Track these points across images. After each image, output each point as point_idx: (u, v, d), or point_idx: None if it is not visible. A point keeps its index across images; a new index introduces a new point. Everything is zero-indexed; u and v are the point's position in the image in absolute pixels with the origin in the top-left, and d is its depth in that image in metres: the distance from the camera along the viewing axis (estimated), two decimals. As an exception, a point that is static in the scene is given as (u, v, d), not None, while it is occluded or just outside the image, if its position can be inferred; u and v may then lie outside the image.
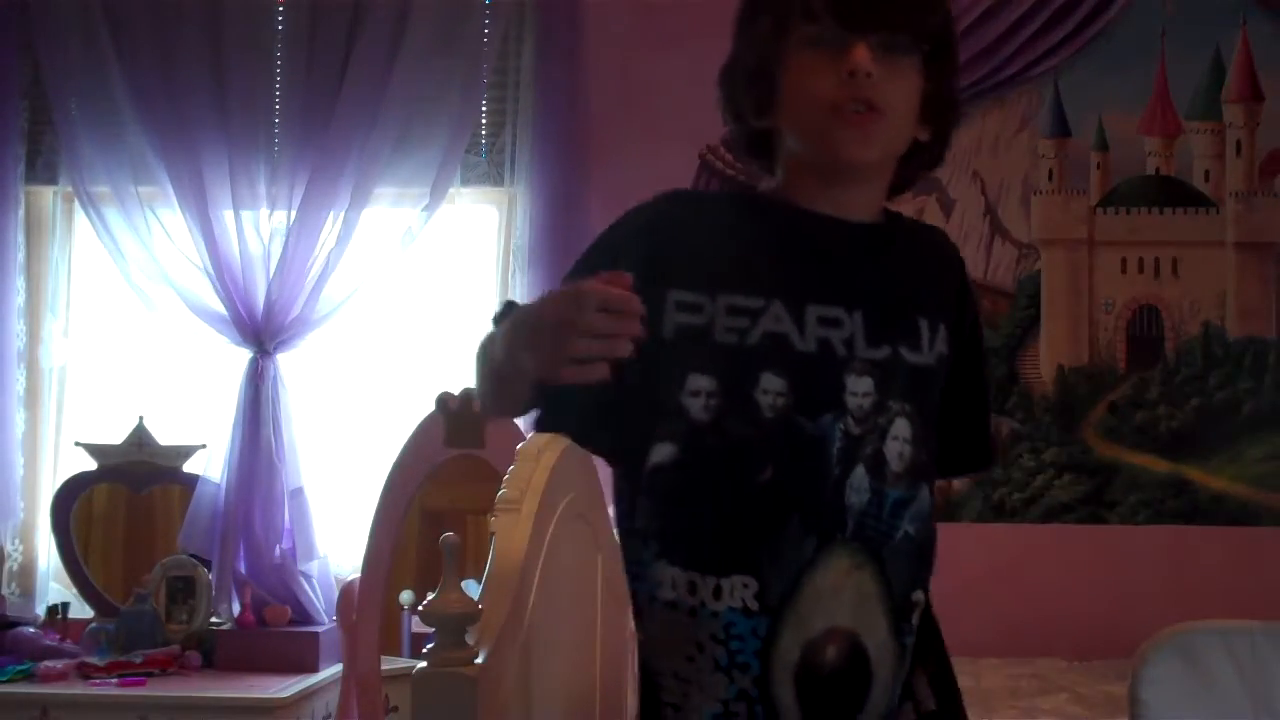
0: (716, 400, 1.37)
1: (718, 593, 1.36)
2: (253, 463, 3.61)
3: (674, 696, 1.40)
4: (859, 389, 1.39)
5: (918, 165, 1.50)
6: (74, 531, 3.72)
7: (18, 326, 3.83)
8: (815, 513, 1.37)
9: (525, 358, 1.30)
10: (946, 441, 1.50)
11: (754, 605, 1.36)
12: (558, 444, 2.65)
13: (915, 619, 1.43)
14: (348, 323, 3.72)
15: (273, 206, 3.72)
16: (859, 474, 1.37)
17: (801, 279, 1.41)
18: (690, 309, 1.39)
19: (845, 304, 1.40)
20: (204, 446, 3.71)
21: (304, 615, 3.61)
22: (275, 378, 3.65)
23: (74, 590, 3.74)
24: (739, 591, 1.36)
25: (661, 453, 1.39)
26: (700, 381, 1.37)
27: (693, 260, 1.41)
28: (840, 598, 1.37)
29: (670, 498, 1.39)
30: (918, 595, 1.42)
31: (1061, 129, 3.77)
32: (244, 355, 3.67)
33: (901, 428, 1.40)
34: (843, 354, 1.39)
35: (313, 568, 3.65)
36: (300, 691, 3.33)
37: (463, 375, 3.58)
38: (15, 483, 3.78)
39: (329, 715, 3.44)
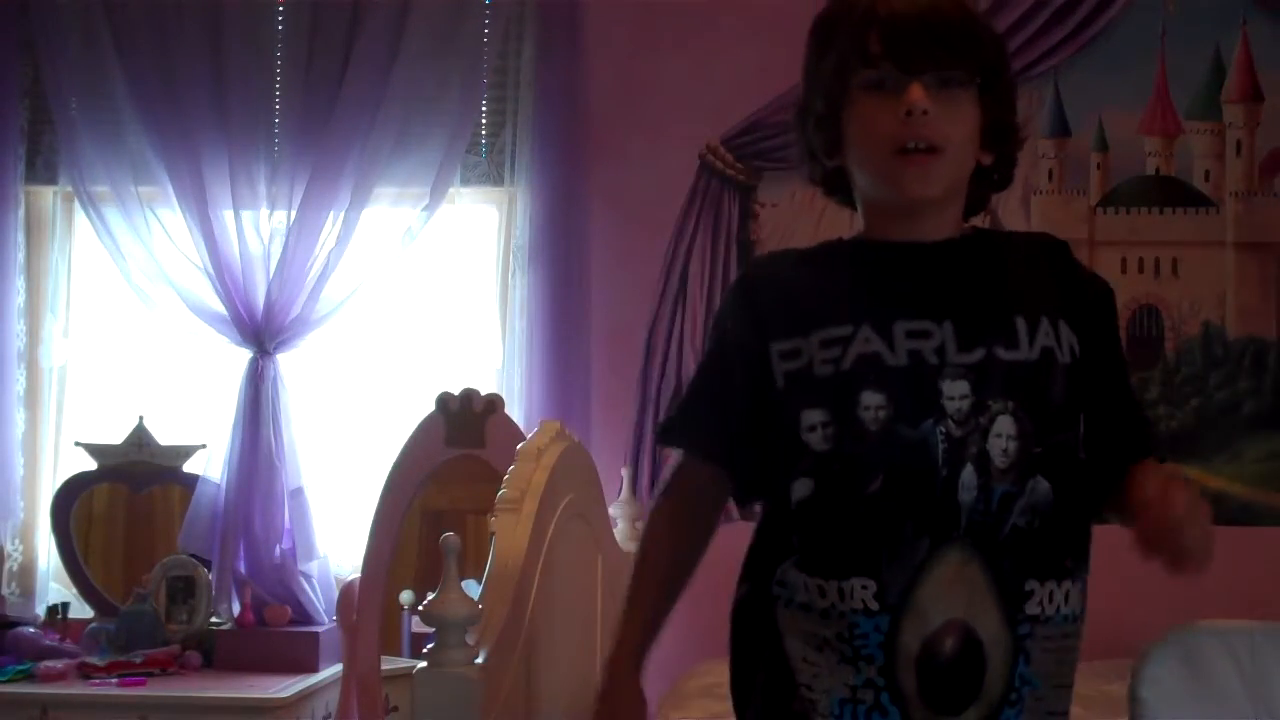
0: (832, 428, 1.47)
1: (842, 595, 1.46)
2: (253, 463, 3.61)
3: (807, 678, 1.49)
4: (955, 393, 1.46)
5: (987, 187, 1.60)
6: (74, 531, 3.72)
7: (18, 326, 3.83)
8: (927, 514, 1.45)
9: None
10: (1103, 435, 1.54)
11: (874, 605, 1.45)
12: (558, 444, 2.66)
13: (1032, 608, 1.47)
14: (348, 323, 3.72)
15: (273, 206, 3.72)
16: (968, 473, 1.45)
17: (885, 300, 1.50)
18: (790, 355, 1.51)
19: (933, 316, 1.49)
20: (204, 446, 3.71)
21: (304, 615, 3.61)
22: (275, 378, 3.65)
23: (74, 590, 3.74)
24: (859, 593, 1.45)
25: (801, 489, 1.49)
26: (813, 416, 1.48)
27: (786, 310, 1.53)
28: (955, 591, 1.44)
29: (809, 523, 1.50)
30: (1030, 585, 1.47)
31: (1061, 129, 3.77)
32: (244, 355, 3.67)
33: (1004, 425, 1.46)
34: (935, 362, 1.47)
35: (313, 568, 3.65)
36: (300, 691, 3.33)
37: (463, 375, 3.58)
38: (15, 483, 3.78)
39: (329, 715, 3.44)
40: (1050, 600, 1.49)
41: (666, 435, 1.68)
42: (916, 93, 1.47)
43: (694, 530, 1.64)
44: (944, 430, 1.45)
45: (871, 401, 1.46)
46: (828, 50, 1.55)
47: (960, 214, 1.58)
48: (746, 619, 1.57)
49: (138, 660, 3.40)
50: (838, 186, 1.60)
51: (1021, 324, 1.50)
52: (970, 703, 1.45)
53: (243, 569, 3.61)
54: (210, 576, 3.60)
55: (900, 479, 1.45)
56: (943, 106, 1.48)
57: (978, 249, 1.57)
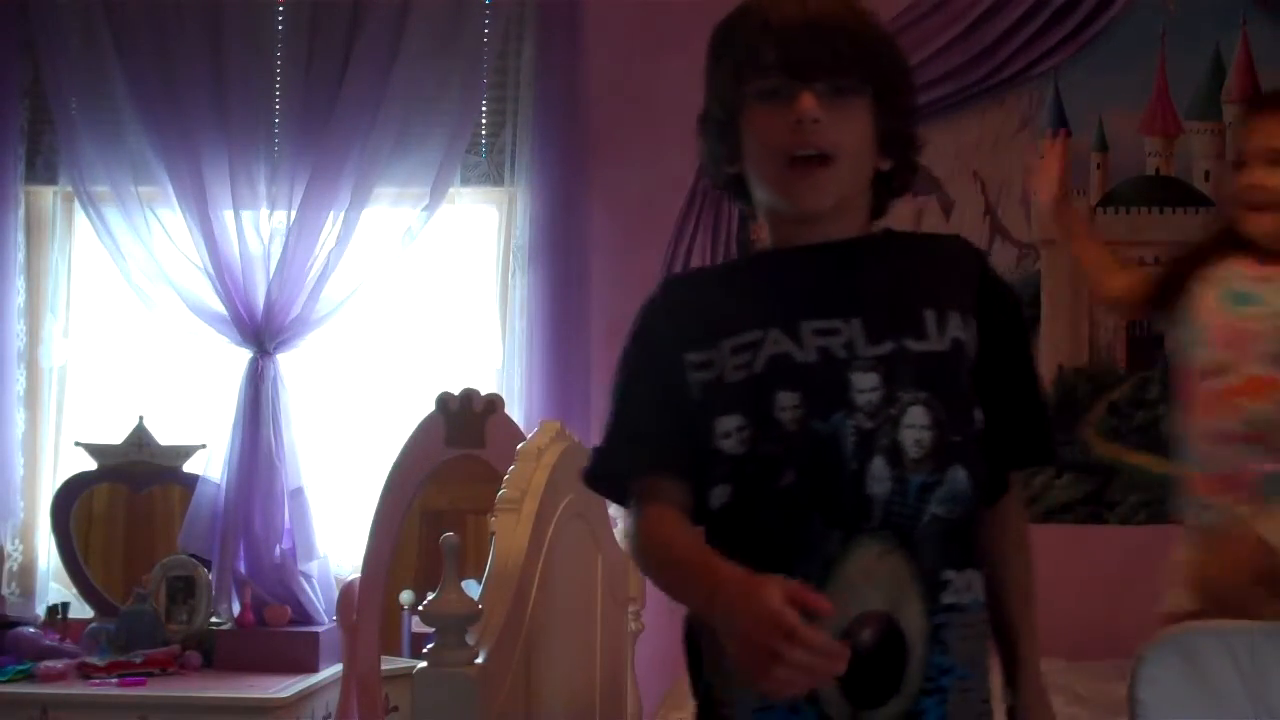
0: (747, 432, 1.47)
1: None
2: (253, 463, 3.61)
3: (721, 692, 1.49)
4: (865, 385, 1.46)
5: (888, 193, 1.60)
6: (74, 531, 3.72)
7: (18, 326, 3.83)
8: (836, 508, 1.44)
9: (724, 640, 1.38)
10: (999, 432, 1.55)
11: None
12: (558, 444, 2.66)
13: (949, 596, 1.47)
14: (348, 323, 3.72)
15: (273, 206, 3.72)
16: (878, 465, 1.44)
17: (792, 302, 1.51)
18: (703, 366, 1.51)
19: (840, 314, 1.49)
20: (204, 446, 3.72)
21: (304, 615, 3.61)
22: (275, 378, 3.65)
23: (74, 590, 3.74)
24: None
25: (718, 497, 1.49)
26: (728, 423, 1.48)
27: (696, 324, 1.53)
28: (873, 583, 1.44)
29: (728, 528, 1.50)
30: (948, 574, 1.47)
31: (1061, 129, 3.77)
32: (244, 355, 3.67)
33: (916, 415, 1.46)
34: (844, 356, 1.47)
35: (313, 568, 3.65)
36: (300, 691, 3.33)
37: (463, 375, 3.58)
38: (15, 483, 3.79)
39: (329, 715, 3.44)
40: (968, 588, 1.49)
41: (607, 474, 1.59)
42: (807, 101, 1.48)
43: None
44: (854, 423, 1.44)
45: (786, 401, 1.45)
46: (724, 58, 1.56)
47: (866, 216, 1.59)
48: (689, 640, 1.56)
49: (138, 660, 3.40)
50: (740, 192, 1.60)
51: (931, 315, 1.50)
52: (891, 695, 1.44)
53: (243, 569, 3.61)
54: (210, 576, 3.61)
55: (810, 474, 1.44)
56: (835, 114, 1.49)
57: (885, 247, 1.58)
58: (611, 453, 1.59)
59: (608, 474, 1.60)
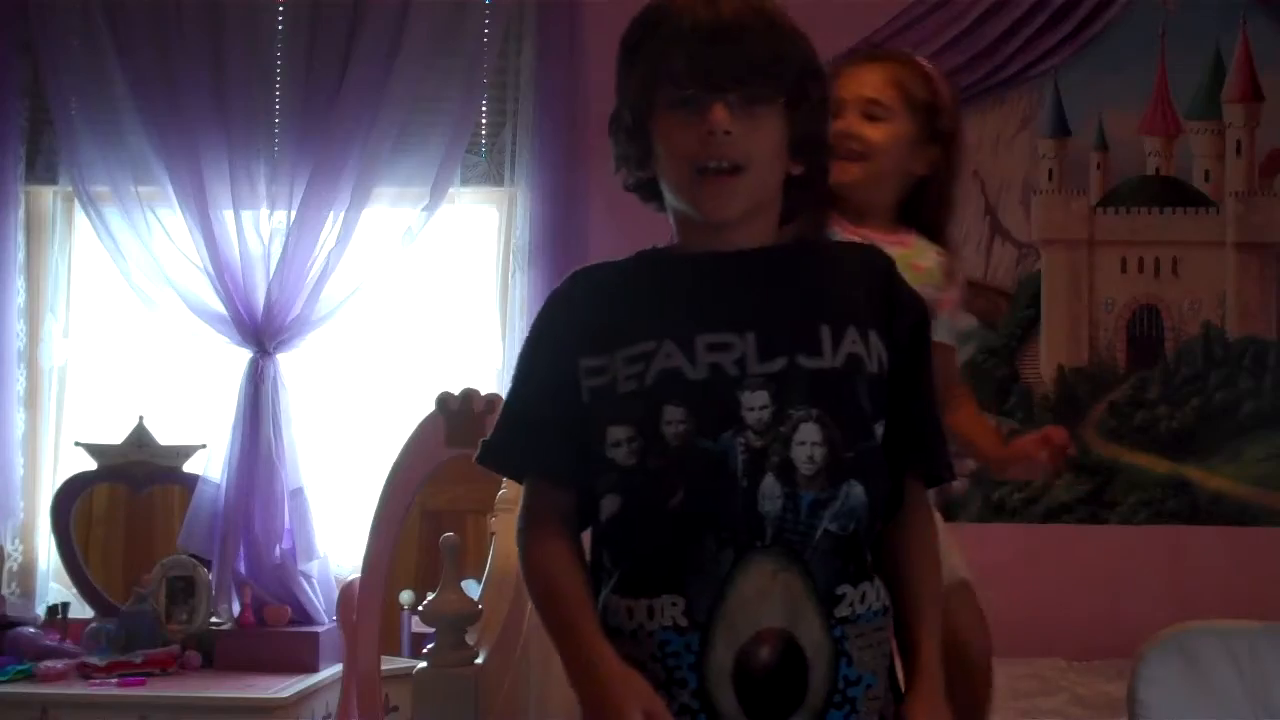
0: (637, 444, 1.46)
1: (650, 613, 1.45)
2: (253, 463, 3.61)
3: None
4: (755, 403, 1.45)
5: (799, 199, 1.58)
6: (74, 531, 3.72)
7: (18, 326, 3.83)
8: (728, 526, 1.43)
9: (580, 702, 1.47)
10: (894, 446, 1.53)
11: (684, 621, 1.43)
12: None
13: (843, 610, 1.46)
14: (348, 323, 3.72)
15: (273, 206, 3.71)
16: (769, 483, 1.43)
17: (689, 314, 1.50)
18: (597, 372, 1.50)
19: (735, 328, 1.48)
20: (204, 446, 3.71)
21: (304, 615, 3.61)
22: (275, 378, 3.65)
23: (74, 590, 3.74)
24: (669, 610, 1.44)
25: (609, 506, 1.49)
26: (618, 432, 1.47)
27: (594, 327, 1.52)
28: (769, 601, 1.43)
29: (617, 540, 1.50)
30: (842, 589, 1.46)
31: (1061, 129, 3.77)
32: (244, 355, 3.67)
33: (809, 432, 1.45)
34: (735, 374, 1.46)
35: (313, 568, 3.65)
36: (300, 691, 3.33)
37: (463, 375, 3.58)
38: (15, 483, 3.78)
39: (329, 715, 3.44)
40: (862, 601, 1.48)
41: (498, 458, 1.60)
42: (719, 113, 1.47)
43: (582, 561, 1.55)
44: (744, 441, 1.44)
45: (673, 416, 1.45)
46: (635, 62, 1.57)
47: (774, 223, 1.57)
48: None
49: (138, 660, 3.40)
50: (653, 194, 1.59)
51: (826, 331, 1.49)
52: (793, 711, 1.44)
53: (243, 569, 3.61)
54: (210, 576, 3.60)
55: (700, 492, 1.44)
56: (746, 124, 1.48)
57: (790, 258, 1.55)
58: (503, 446, 1.58)
59: (498, 465, 1.61)
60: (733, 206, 1.50)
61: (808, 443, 1.44)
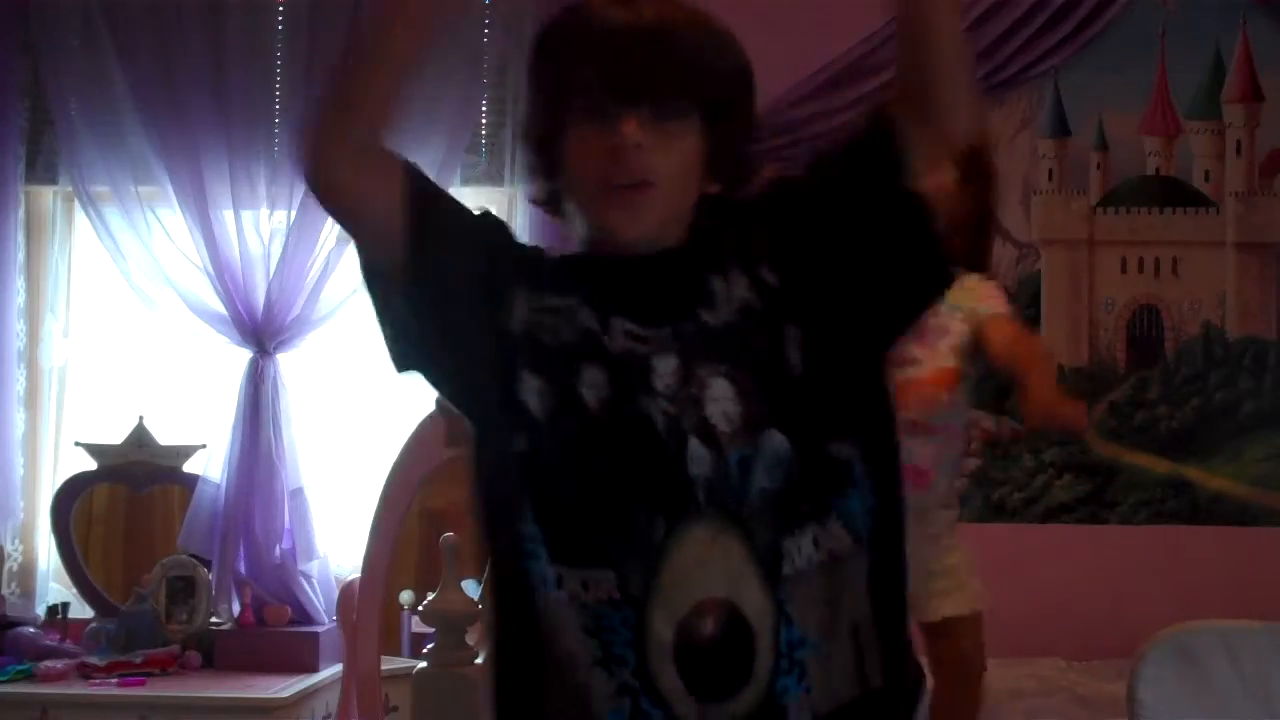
0: (550, 401, 1.40)
1: (585, 586, 1.37)
2: (253, 463, 3.61)
3: (560, 702, 1.40)
4: (665, 369, 1.39)
5: (715, 216, 1.48)
6: (74, 531, 3.72)
7: (18, 326, 3.83)
8: (656, 494, 1.36)
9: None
10: (878, 282, 1.43)
11: (617, 596, 1.35)
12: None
13: (786, 567, 1.38)
14: (348, 323, 3.71)
15: (273, 206, 3.72)
16: (694, 445, 1.37)
17: (607, 297, 1.43)
18: (530, 309, 1.44)
19: (650, 324, 1.41)
20: (204, 446, 3.71)
21: (304, 615, 3.61)
22: (275, 378, 3.65)
23: (74, 590, 3.74)
24: (604, 585, 1.36)
25: (519, 442, 1.41)
26: (533, 381, 1.41)
27: (533, 269, 1.47)
28: (708, 569, 1.36)
29: (535, 495, 1.40)
30: (786, 544, 1.38)
31: (1061, 129, 3.77)
32: (244, 355, 3.67)
33: (719, 389, 1.39)
34: (645, 350, 1.40)
35: (313, 568, 3.66)
36: (300, 691, 3.33)
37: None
38: (15, 483, 3.78)
39: (329, 715, 3.44)
40: (800, 553, 1.38)
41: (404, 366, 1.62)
42: (628, 127, 1.37)
43: None
44: (660, 407, 1.37)
45: (594, 380, 1.39)
46: (546, 68, 1.47)
47: (685, 231, 1.46)
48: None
49: (138, 660, 3.40)
50: (559, 207, 1.51)
51: (719, 285, 1.42)
52: (743, 684, 1.36)
53: (243, 569, 3.61)
54: (210, 576, 3.61)
55: (624, 461, 1.37)
56: (659, 138, 1.38)
57: (695, 242, 1.46)
58: (407, 355, 1.60)
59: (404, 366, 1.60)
60: (640, 223, 1.41)
61: (721, 399, 1.38)
